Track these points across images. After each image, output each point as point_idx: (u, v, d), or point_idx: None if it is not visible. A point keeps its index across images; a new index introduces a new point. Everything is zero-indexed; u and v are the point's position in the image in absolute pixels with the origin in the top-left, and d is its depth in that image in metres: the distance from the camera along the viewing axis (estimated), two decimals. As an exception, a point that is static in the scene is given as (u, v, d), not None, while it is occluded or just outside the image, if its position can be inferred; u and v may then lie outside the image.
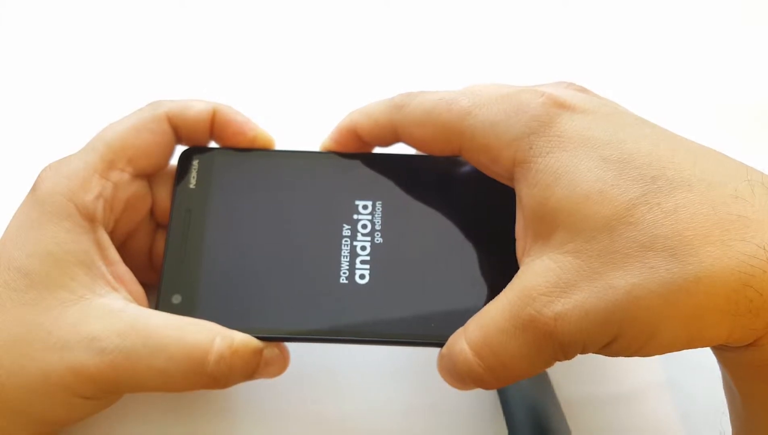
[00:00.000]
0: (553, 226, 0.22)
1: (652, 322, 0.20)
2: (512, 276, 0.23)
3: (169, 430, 0.29)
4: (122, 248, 0.28)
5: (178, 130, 0.28)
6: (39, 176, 0.26)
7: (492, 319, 0.22)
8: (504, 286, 0.23)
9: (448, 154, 0.26)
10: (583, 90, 0.25)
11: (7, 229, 0.25)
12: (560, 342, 0.21)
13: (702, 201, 0.20)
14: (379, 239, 0.27)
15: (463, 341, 0.23)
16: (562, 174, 0.22)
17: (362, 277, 0.26)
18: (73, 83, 0.37)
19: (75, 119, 0.36)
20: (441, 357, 0.24)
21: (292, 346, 0.27)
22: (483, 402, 0.30)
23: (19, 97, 0.37)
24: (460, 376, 0.23)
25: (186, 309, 0.26)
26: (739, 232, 0.20)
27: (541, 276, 0.21)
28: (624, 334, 0.20)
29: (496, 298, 0.23)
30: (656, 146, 0.22)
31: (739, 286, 0.19)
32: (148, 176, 0.28)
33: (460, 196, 0.28)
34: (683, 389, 0.30)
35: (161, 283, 0.26)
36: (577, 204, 0.21)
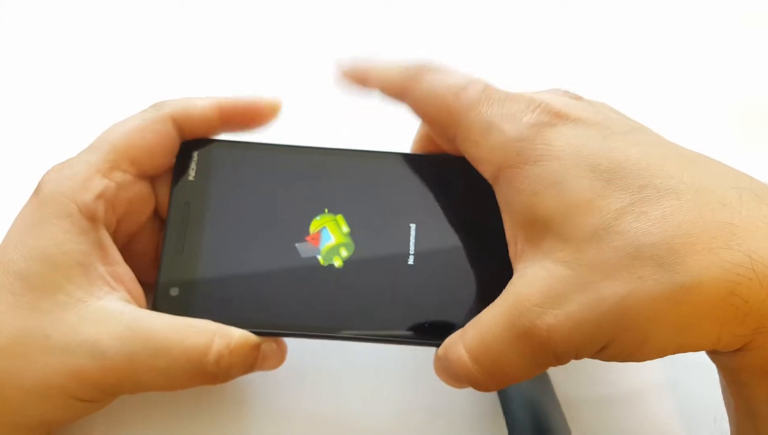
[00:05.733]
0: (542, 232, 0.22)
1: (642, 331, 0.20)
2: (507, 277, 0.23)
3: (168, 430, 0.29)
4: (127, 248, 0.27)
5: (183, 130, 0.28)
6: (42, 178, 0.26)
7: (488, 326, 0.22)
8: (499, 287, 0.23)
9: (443, 135, 0.26)
10: (578, 98, 0.25)
11: (8, 231, 0.25)
12: (554, 351, 0.21)
13: (689, 208, 0.20)
14: None
15: (461, 347, 0.23)
16: (550, 182, 0.22)
17: None
18: (76, 85, 0.37)
19: (78, 121, 0.35)
20: (437, 359, 0.25)
21: (291, 345, 0.27)
22: (483, 402, 0.30)
23: (22, 99, 0.37)
24: (458, 379, 0.24)
25: (183, 301, 0.26)
26: (726, 240, 0.20)
27: (534, 286, 0.22)
28: (614, 342, 0.21)
29: (492, 304, 0.23)
30: (646, 154, 0.22)
31: (726, 294, 0.19)
32: (152, 177, 0.28)
33: (458, 197, 0.28)
34: (683, 389, 0.30)
35: (159, 275, 0.26)
36: (566, 213, 0.22)
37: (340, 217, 0.27)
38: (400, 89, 0.26)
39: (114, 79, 0.38)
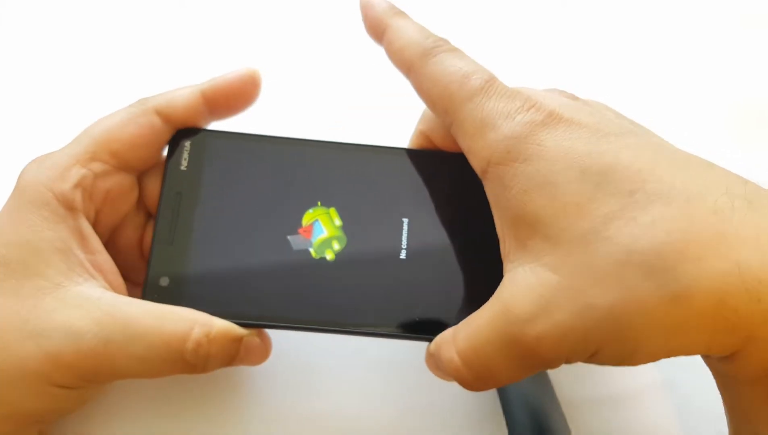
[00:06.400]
0: (530, 231, 0.22)
1: (632, 339, 0.20)
2: (499, 274, 0.23)
3: (165, 427, 0.29)
4: (111, 243, 0.28)
5: (170, 122, 0.28)
6: (22, 169, 0.26)
7: (478, 330, 0.23)
8: (491, 283, 0.23)
9: (441, 119, 0.26)
10: (574, 98, 0.25)
11: None
12: (542, 358, 0.21)
13: (679, 215, 0.20)
14: None
15: (452, 349, 0.23)
16: (539, 182, 0.22)
17: None
18: (67, 83, 0.37)
19: (71, 120, 0.36)
20: (429, 356, 0.25)
21: (288, 343, 0.27)
22: (483, 402, 0.30)
23: (14, 97, 0.37)
24: (449, 376, 0.24)
25: (172, 292, 0.26)
26: (716, 249, 0.19)
27: (523, 292, 0.22)
28: (604, 349, 0.21)
29: (483, 308, 0.23)
30: (637, 158, 0.22)
31: (716, 304, 0.19)
32: (139, 170, 0.28)
33: (452, 193, 0.28)
34: (682, 389, 0.30)
35: (149, 265, 0.26)
36: (554, 215, 0.21)
37: (332, 210, 0.27)
38: (407, 63, 0.26)
39: (107, 78, 0.38)
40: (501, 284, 0.23)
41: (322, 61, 0.39)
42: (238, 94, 0.28)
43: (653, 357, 0.21)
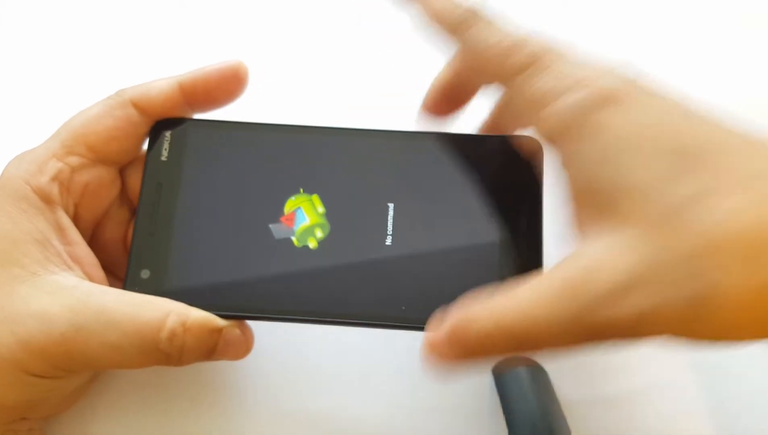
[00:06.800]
0: (605, 205, 0.21)
1: (719, 325, 0.19)
2: (488, 258, 0.23)
3: (158, 429, 0.29)
4: (96, 238, 0.28)
5: (148, 114, 0.27)
6: (6, 165, 0.26)
7: (536, 304, 0.21)
8: (479, 268, 0.23)
9: (482, 84, 0.24)
10: (633, 78, 0.24)
11: None
12: (606, 339, 0.20)
13: (765, 200, 0.19)
14: None
15: (490, 322, 0.21)
16: (611, 158, 0.21)
17: None
18: (61, 80, 0.37)
19: (62, 116, 0.36)
20: (434, 343, 0.22)
21: (288, 344, 0.27)
22: (483, 401, 0.30)
23: (7, 94, 0.37)
24: (469, 352, 0.22)
25: (154, 284, 0.26)
26: None
27: (598, 270, 0.20)
28: (685, 333, 0.20)
29: (541, 279, 0.21)
30: (710, 140, 0.20)
31: None
32: (119, 163, 0.28)
33: (438, 175, 0.27)
34: (683, 389, 0.30)
35: (130, 257, 0.26)
36: (630, 192, 0.20)
37: (315, 197, 0.27)
38: (446, 26, 0.25)
39: (100, 73, 0.38)
40: (569, 258, 0.21)
41: (322, 60, 0.39)
42: (217, 88, 0.28)
43: (746, 338, 0.20)
